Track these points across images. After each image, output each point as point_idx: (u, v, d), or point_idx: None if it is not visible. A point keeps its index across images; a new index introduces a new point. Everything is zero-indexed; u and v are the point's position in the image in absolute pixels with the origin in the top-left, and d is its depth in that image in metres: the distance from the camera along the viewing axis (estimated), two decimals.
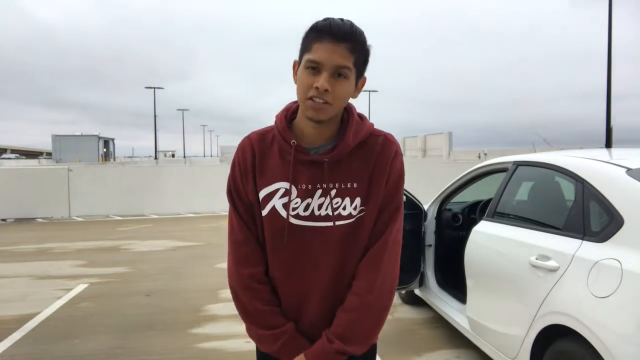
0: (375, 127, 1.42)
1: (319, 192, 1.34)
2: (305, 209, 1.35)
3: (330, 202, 1.34)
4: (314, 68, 1.26)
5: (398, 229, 1.41)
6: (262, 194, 1.37)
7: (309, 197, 1.35)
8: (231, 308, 4.81)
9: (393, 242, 1.39)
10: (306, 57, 1.27)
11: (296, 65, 1.34)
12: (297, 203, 1.35)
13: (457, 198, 4.37)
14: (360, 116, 1.42)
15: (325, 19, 1.28)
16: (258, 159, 1.39)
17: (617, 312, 2.02)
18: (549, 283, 2.42)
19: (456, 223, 4.35)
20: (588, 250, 2.31)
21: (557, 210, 2.94)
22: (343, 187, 1.35)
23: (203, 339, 4.13)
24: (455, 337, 3.88)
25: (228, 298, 5.19)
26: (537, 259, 2.56)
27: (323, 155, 1.34)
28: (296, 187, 1.35)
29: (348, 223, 1.35)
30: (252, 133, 1.44)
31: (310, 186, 1.35)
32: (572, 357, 2.23)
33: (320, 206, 1.35)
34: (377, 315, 1.38)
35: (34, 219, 11.90)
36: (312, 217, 1.35)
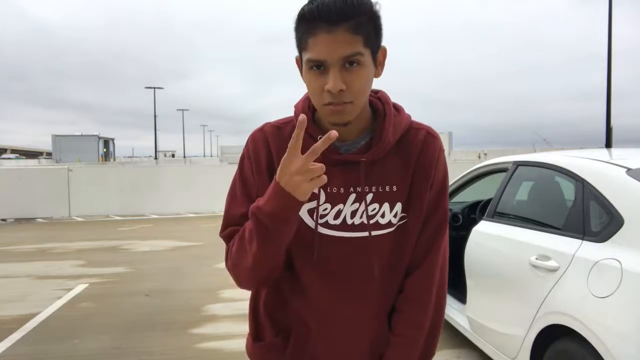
0: (412, 119, 1.22)
1: (353, 196, 1.13)
2: (336, 217, 1.14)
3: (366, 209, 1.13)
4: (318, 67, 1.04)
5: (446, 243, 1.21)
6: None
7: (340, 203, 1.13)
8: (231, 308, 4.84)
9: (443, 260, 1.19)
10: (305, 56, 1.06)
11: (298, 62, 1.12)
12: (326, 209, 1.14)
13: (457, 198, 4.37)
14: (397, 107, 1.20)
15: (311, 0, 1.04)
16: (275, 156, 1.15)
17: (617, 312, 2.02)
18: (549, 283, 2.42)
19: (456, 223, 4.35)
20: (588, 250, 2.30)
21: (557, 210, 2.93)
22: (381, 190, 1.13)
23: (203, 339, 4.13)
24: (455, 337, 3.88)
25: (228, 298, 5.20)
26: (537, 259, 2.55)
27: (358, 155, 1.13)
28: (325, 191, 1.13)
29: (387, 233, 1.15)
30: (266, 125, 1.20)
31: (342, 189, 1.13)
32: (572, 357, 2.23)
33: (353, 213, 1.13)
34: (430, 350, 1.21)
35: (34, 219, 11.90)
36: (343, 226, 1.14)
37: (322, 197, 1.14)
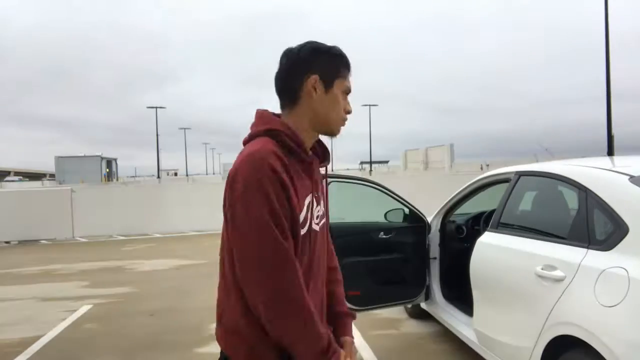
0: None
1: (317, 194, 1.45)
2: (318, 216, 1.45)
3: (320, 202, 1.47)
4: (347, 94, 1.45)
5: None
6: (302, 213, 1.34)
7: (319, 202, 1.46)
8: None
9: None
10: (343, 83, 1.43)
11: (317, 82, 1.39)
12: (319, 210, 1.45)
13: (460, 209, 4.36)
14: None
15: (337, 48, 1.44)
16: (294, 177, 1.32)
17: (626, 321, 2.00)
18: (555, 293, 2.40)
19: (460, 235, 4.33)
20: (594, 259, 2.29)
21: (561, 219, 2.92)
22: (321, 186, 1.51)
23: (208, 358, 4.09)
24: (463, 351, 3.84)
25: None
26: (542, 269, 2.54)
27: (323, 162, 1.50)
28: (315, 196, 1.42)
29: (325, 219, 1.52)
30: (272, 149, 1.31)
31: (318, 192, 1.45)
32: None
33: (319, 208, 1.46)
34: None
35: (37, 240, 11.91)
36: (318, 219, 1.45)
37: (314, 202, 1.41)
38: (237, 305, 1.34)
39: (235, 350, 1.38)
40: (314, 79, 1.38)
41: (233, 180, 1.28)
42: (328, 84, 1.40)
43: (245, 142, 1.40)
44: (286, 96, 1.42)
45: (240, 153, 1.35)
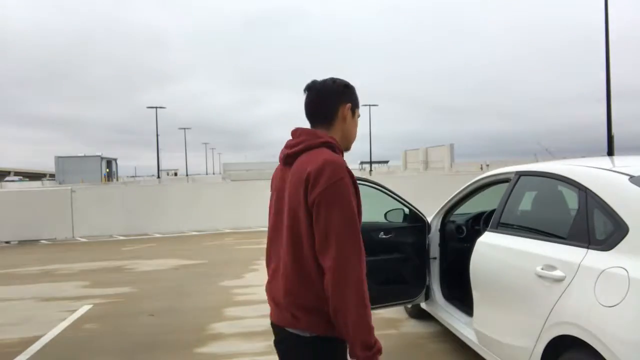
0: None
1: None
2: None
3: None
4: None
5: None
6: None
7: None
8: (237, 326, 4.81)
9: None
10: (358, 112, 1.83)
11: (349, 109, 1.77)
12: None
13: (460, 209, 4.36)
14: None
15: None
16: None
17: (626, 321, 2.00)
18: (555, 293, 2.41)
19: (460, 235, 4.33)
20: (594, 259, 2.29)
21: (561, 219, 2.92)
22: None
23: (209, 358, 4.10)
24: (463, 351, 3.84)
25: (233, 316, 5.17)
26: (542, 269, 2.54)
27: None
28: None
29: None
30: (340, 156, 1.69)
31: None
32: None
33: None
34: None
35: (37, 240, 11.90)
36: None
37: None
38: (320, 285, 1.59)
39: (317, 326, 1.61)
40: (348, 106, 1.77)
41: (318, 175, 1.55)
42: (354, 112, 1.80)
43: (290, 155, 1.69)
44: (323, 118, 1.75)
45: (309, 160, 1.61)
